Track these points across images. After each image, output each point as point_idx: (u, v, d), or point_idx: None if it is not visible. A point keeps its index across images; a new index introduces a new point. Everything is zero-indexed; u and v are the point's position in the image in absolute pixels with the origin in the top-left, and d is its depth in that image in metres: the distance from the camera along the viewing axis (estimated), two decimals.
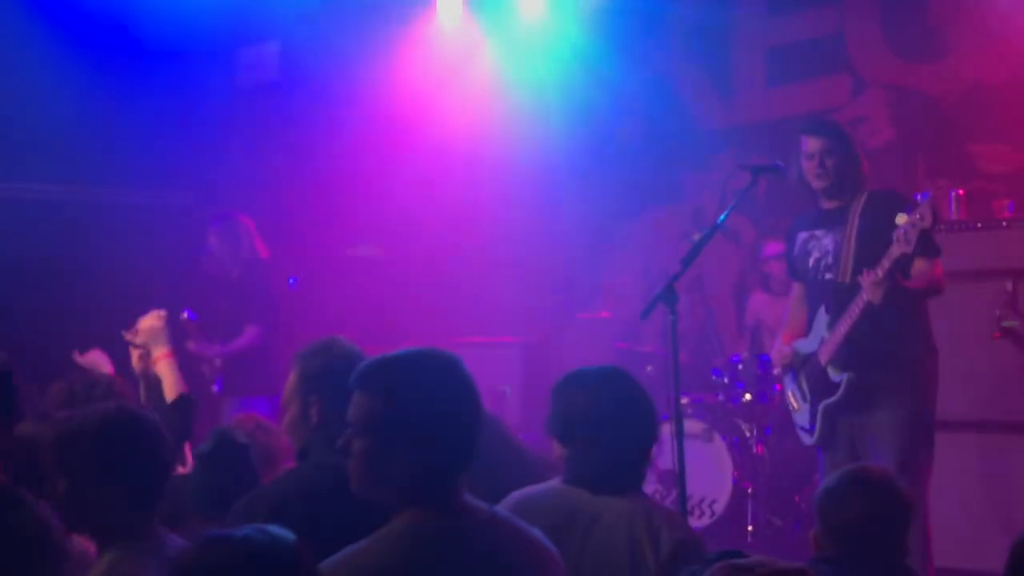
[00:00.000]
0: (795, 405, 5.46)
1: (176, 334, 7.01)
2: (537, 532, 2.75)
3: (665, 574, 3.07)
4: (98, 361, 4.91)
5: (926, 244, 4.93)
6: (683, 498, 4.70)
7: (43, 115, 8.29)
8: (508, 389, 8.51)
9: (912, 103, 8.27)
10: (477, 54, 9.79)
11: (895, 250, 4.81)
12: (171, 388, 4.45)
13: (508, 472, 3.52)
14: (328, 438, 3.22)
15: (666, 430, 4.49)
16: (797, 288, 5.58)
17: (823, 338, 5.20)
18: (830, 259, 5.23)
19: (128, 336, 4.63)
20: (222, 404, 7.37)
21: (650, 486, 3.28)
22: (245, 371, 7.23)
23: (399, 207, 9.58)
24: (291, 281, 8.39)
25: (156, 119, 8.89)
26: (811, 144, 5.22)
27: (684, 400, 6.47)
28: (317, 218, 9.43)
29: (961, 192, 6.72)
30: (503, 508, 3.00)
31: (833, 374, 5.16)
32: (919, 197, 4.85)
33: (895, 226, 4.80)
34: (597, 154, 9.91)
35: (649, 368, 8.21)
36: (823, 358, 5.19)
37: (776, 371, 5.72)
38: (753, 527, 7.41)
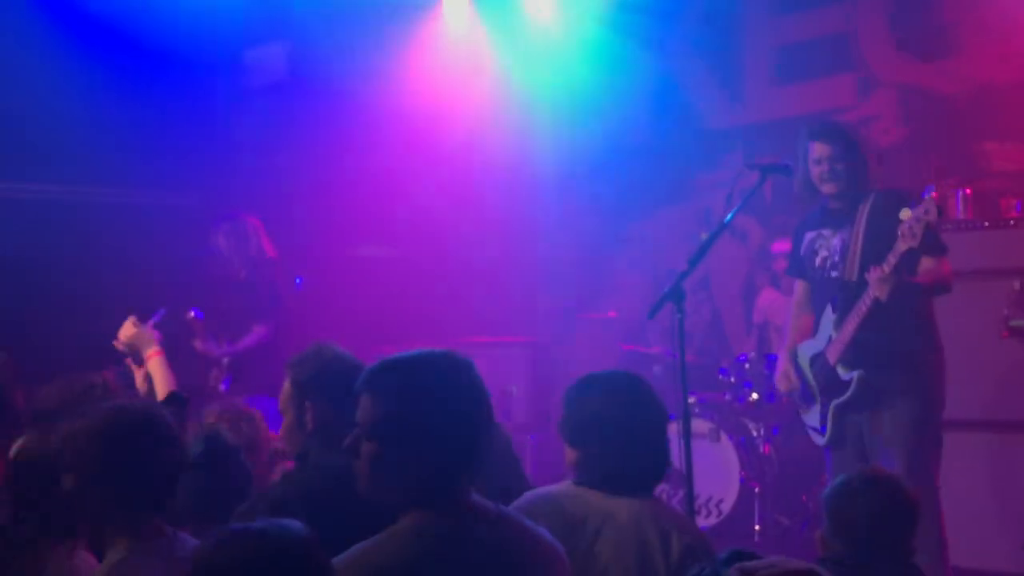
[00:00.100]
0: (804, 407, 5.45)
1: (183, 333, 7.06)
2: (544, 531, 2.76)
3: None
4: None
5: (932, 242, 4.93)
6: (690, 497, 4.70)
7: (49, 116, 8.28)
8: (514, 389, 8.51)
9: (922, 102, 8.25)
10: (484, 55, 9.79)
11: (901, 245, 4.80)
12: (162, 386, 4.48)
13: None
14: (325, 441, 3.25)
15: (673, 429, 4.50)
16: (800, 288, 5.57)
17: (831, 337, 5.19)
18: (837, 258, 5.22)
19: (116, 345, 4.71)
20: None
21: (657, 486, 3.28)
22: (252, 370, 7.23)
23: (405, 207, 9.58)
24: (297, 281, 8.39)
25: (162, 120, 8.89)
26: (820, 150, 5.22)
27: (691, 399, 6.45)
28: (324, 218, 9.42)
29: (968, 191, 6.71)
30: (515, 507, 3.00)
31: (843, 373, 5.15)
32: (925, 195, 4.85)
33: (901, 222, 4.80)
34: (604, 154, 9.89)
35: (656, 368, 8.22)
36: (832, 357, 5.18)
37: (781, 390, 5.68)
38: (760, 526, 7.40)
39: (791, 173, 5.31)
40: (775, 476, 7.57)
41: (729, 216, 5.14)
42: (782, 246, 7.89)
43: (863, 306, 4.99)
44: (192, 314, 7.13)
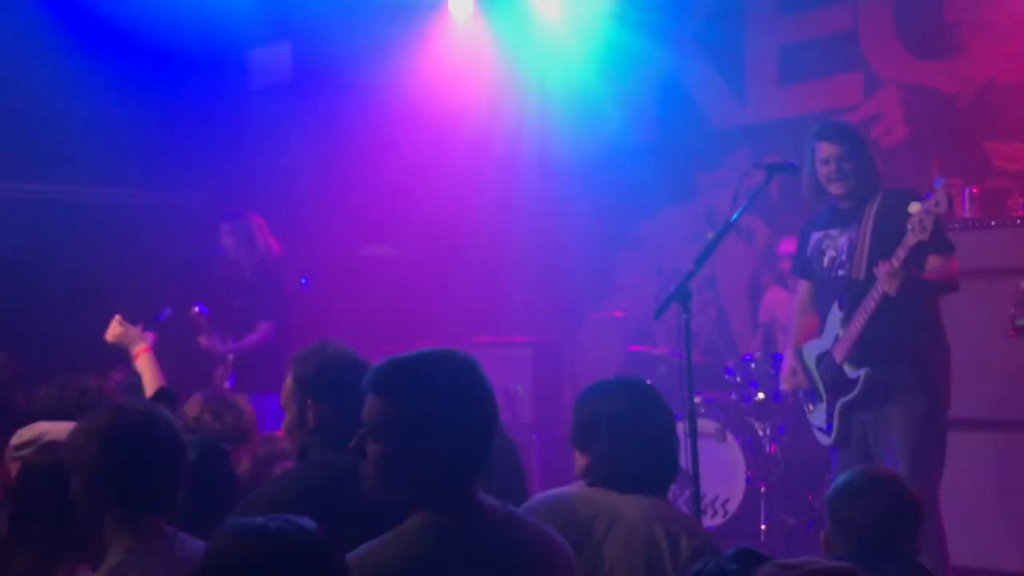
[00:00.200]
0: (810, 407, 5.45)
1: (188, 330, 7.07)
2: (552, 531, 2.76)
3: None
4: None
5: (940, 240, 4.92)
6: (697, 497, 4.69)
7: (53, 116, 8.31)
8: (520, 389, 8.51)
9: (926, 101, 8.25)
10: (489, 54, 9.79)
11: (911, 238, 4.80)
12: (150, 383, 4.50)
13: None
14: (326, 439, 3.25)
15: (679, 429, 4.50)
16: (804, 288, 5.57)
17: (837, 335, 5.18)
18: (844, 257, 5.21)
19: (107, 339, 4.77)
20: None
21: (668, 487, 3.31)
22: (258, 368, 7.24)
23: (410, 207, 9.58)
24: (303, 281, 8.40)
25: (167, 120, 8.91)
26: (826, 150, 5.21)
27: (697, 399, 6.46)
28: (329, 218, 9.43)
29: (975, 190, 6.70)
30: (524, 509, 3.01)
31: (849, 371, 5.14)
32: (938, 185, 4.84)
33: (910, 216, 4.80)
34: (610, 153, 9.90)
35: (661, 368, 8.22)
36: (838, 356, 5.18)
37: (784, 389, 5.67)
38: (766, 526, 7.40)
39: (797, 172, 5.30)
40: (781, 476, 7.57)
41: (735, 216, 5.13)
42: (788, 247, 7.87)
43: (871, 302, 4.98)
44: (196, 309, 7.15)
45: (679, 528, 3.19)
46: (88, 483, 2.94)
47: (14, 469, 3.58)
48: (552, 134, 10.04)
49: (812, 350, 5.40)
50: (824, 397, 5.32)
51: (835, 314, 5.21)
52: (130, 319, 4.97)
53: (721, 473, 7.42)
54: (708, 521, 7.23)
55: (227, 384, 7.40)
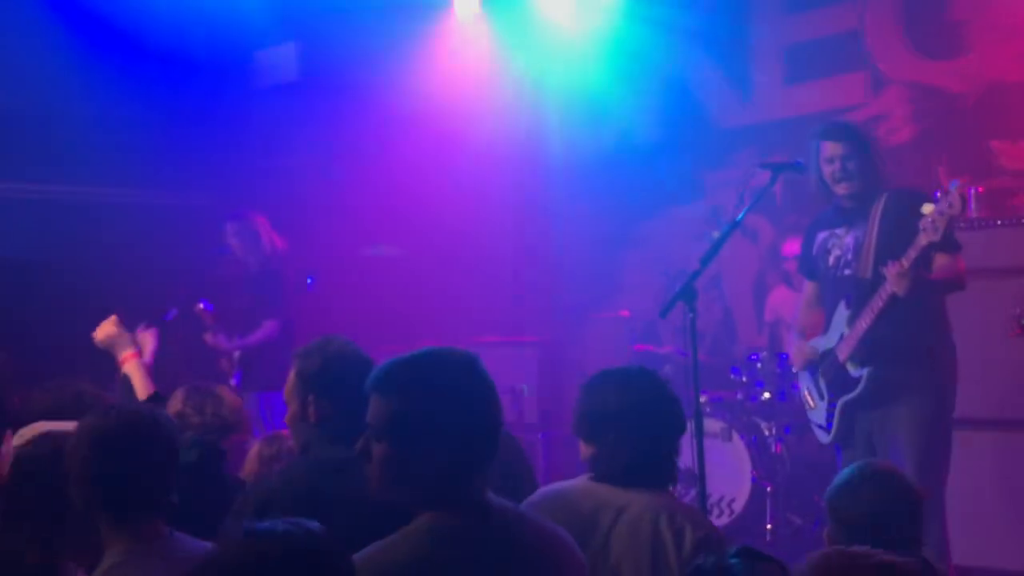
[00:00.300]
0: (811, 403, 5.46)
1: (194, 328, 7.09)
2: (561, 530, 2.76)
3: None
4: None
5: (948, 239, 4.92)
6: (703, 497, 4.70)
7: (59, 116, 8.31)
8: (525, 388, 8.52)
9: (932, 100, 8.24)
10: (496, 55, 9.79)
11: (922, 239, 4.80)
12: (141, 388, 4.49)
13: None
14: (327, 434, 3.26)
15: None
16: (809, 287, 5.57)
17: (843, 334, 5.19)
18: (850, 255, 5.22)
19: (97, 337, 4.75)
20: (241, 398, 7.39)
21: (672, 481, 3.31)
22: (264, 366, 7.26)
23: (416, 207, 9.59)
24: (309, 281, 8.41)
25: (172, 120, 8.92)
26: (830, 149, 5.21)
27: (703, 399, 6.44)
28: (334, 218, 9.44)
29: (981, 189, 6.70)
30: (527, 504, 3.01)
31: (852, 370, 5.15)
32: (938, 194, 4.84)
33: (920, 217, 4.79)
34: (615, 153, 9.90)
35: (667, 368, 8.22)
36: (842, 354, 5.18)
37: (795, 369, 5.70)
38: (772, 526, 7.40)
39: (802, 171, 5.31)
40: (787, 475, 7.57)
41: (741, 215, 5.14)
42: (792, 248, 7.87)
43: (879, 301, 4.98)
44: (201, 305, 7.16)
45: (683, 520, 3.19)
46: (81, 485, 2.95)
47: None
48: (557, 133, 10.04)
49: (816, 346, 5.40)
50: (825, 395, 5.32)
51: (841, 312, 5.21)
52: (135, 319, 4.96)
53: (727, 473, 7.42)
54: (714, 521, 7.20)
55: (233, 381, 7.42)
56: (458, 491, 2.55)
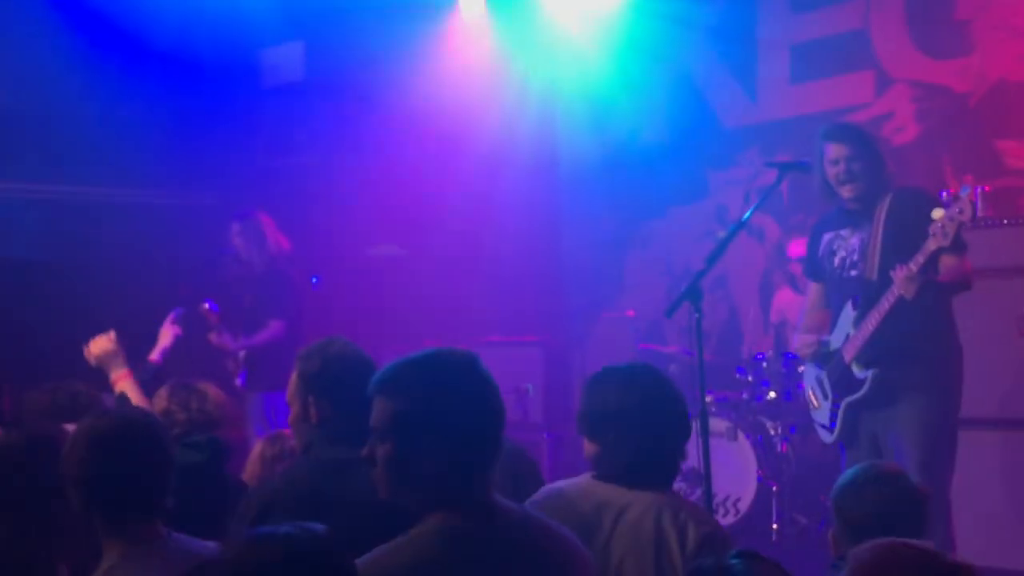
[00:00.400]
0: (815, 403, 5.46)
1: (199, 328, 7.09)
2: (567, 530, 2.76)
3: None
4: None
5: (955, 241, 4.91)
6: (708, 496, 4.69)
7: (66, 117, 8.33)
8: (531, 388, 8.52)
9: (938, 99, 8.23)
10: (501, 55, 9.79)
11: (931, 244, 4.79)
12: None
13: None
14: (328, 435, 3.27)
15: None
16: (814, 290, 5.57)
17: (849, 334, 5.18)
18: (856, 257, 5.21)
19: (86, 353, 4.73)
20: (246, 399, 7.41)
21: (675, 484, 3.30)
22: (268, 366, 7.26)
23: (421, 207, 9.59)
24: (314, 280, 8.41)
25: (180, 120, 8.93)
26: (835, 150, 5.21)
27: (708, 398, 6.45)
28: (339, 218, 9.45)
29: (987, 189, 6.69)
30: (532, 503, 3.01)
31: (858, 371, 5.14)
32: (947, 194, 4.83)
33: (928, 222, 4.79)
34: (620, 152, 9.89)
35: (672, 367, 8.22)
36: (847, 355, 5.18)
37: (803, 357, 5.67)
38: (778, 525, 7.40)
39: (809, 171, 5.30)
40: (792, 475, 7.57)
41: (747, 214, 5.13)
42: (797, 249, 7.87)
43: (886, 304, 4.98)
44: (206, 306, 7.16)
45: (687, 517, 3.18)
46: (78, 488, 2.95)
47: None
48: (563, 133, 10.05)
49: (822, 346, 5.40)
50: (829, 395, 5.32)
51: (847, 313, 5.21)
52: (145, 318, 4.96)
53: (732, 472, 7.42)
54: (720, 520, 7.20)
55: (238, 382, 7.43)
56: (463, 492, 2.55)
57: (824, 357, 5.36)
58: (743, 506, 7.45)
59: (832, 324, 5.34)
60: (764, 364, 7.76)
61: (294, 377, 3.44)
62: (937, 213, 4.77)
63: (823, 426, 5.39)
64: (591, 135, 9.89)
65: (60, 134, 8.30)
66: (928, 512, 3.35)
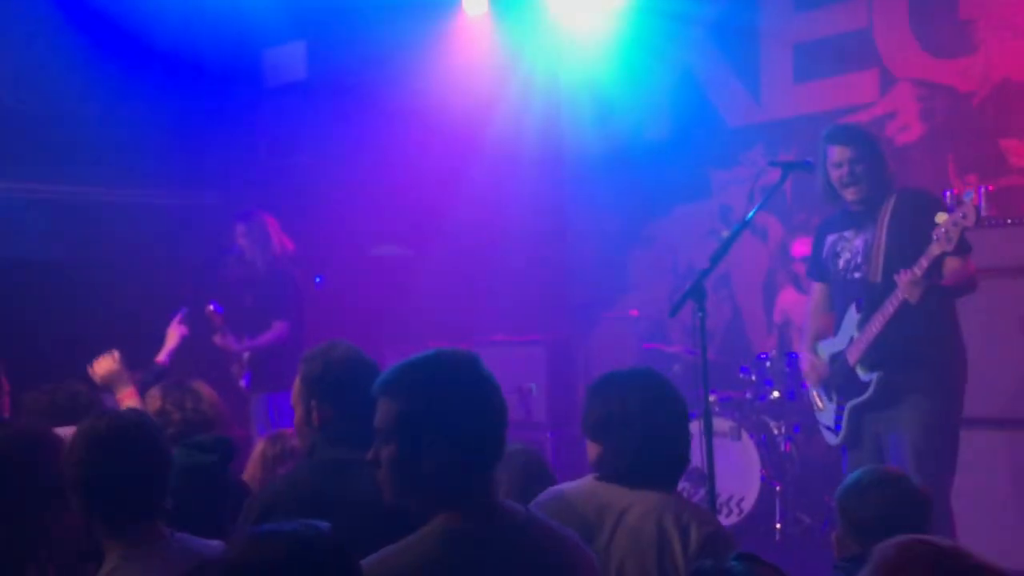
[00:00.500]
0: (820, 405, 5.45)
1: (203, 329, 7.09)
2: (571, 532, 2.76)
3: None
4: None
5: (959, 244, 4.90)
6: (712, 496, 4.69)
7: (69, 117, 8.33)
8: (534, 387, 8.52)
9: (942, 99, 8.22)
10: (503, 53, 9.79)
11: (935, 248, 4.78)
12: None
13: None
14: (331, 438, 3.28)
15: (695, 428, 4.50)
16: (818, 291, 5.55)
17: (853, 337, 5.17)
18: (859, 259, 5.20)
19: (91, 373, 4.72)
20: (250, 400, 7.41)
21: (678, 480, 3.32)
22: (273, 367, 7.26)
23: (424, 206, 9.59)
24: (317, 280, 8.42)
25: (182, 120, 8.93)
26: (838, 153, 5.20)
27: (712, 398, 6.45)
28: (343, 218, 9.44)
29: (991, 188, 6.68)
30: (535, 505, 3.01)
31: (862, 374, 5.14)
32: (950, 194, 4.82)
33: (932, 225, 4.78)
34: (624, 151, 9.89)
35: (675, 367, 8.21)
36: (852, 358, 5.17)
37: (809, 385, 5.66)
38: (781, 525, 7.39)
39: (812, 170, 5.29)
40: (796, 475, 7.56)
41: (751, 214, 5.12)
42: (801, 249, 7.85)
43: (890, 307, 4.97)
44: (211, 307, 7.16)
45: (689, 517, 3.19)
46: (76, 490, 2.96)
47: None
48: (566, 132, 10.04)
49: (825, 349, 5.39)
50: (834, 397, 5.31)
51: (852, 316, 5.20)
52: (149, 318, 4.96)
53: (736, 472, 7.42)
54: (723, 520, 7.21)
55: (243, 383, 7.42)
56: (466, 492, 2.56)
57: (830, 375, 5.36)
58: (747, 506, 7.45)
59: (836, 326, 5.33)
60: (768, 364, 7.76)
61: (297, 381, 3.44)
62: (941, 217, 4.76)
63: (828, 428, 5.39)
64: (595, 134, 9.88)
65: (62, 134, 8.30)
66: (931, 514, 3.35)
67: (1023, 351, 6.11)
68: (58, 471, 2.98)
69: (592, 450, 3.37)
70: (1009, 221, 6.33)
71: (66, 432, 3.55)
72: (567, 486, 3.35)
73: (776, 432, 7.67)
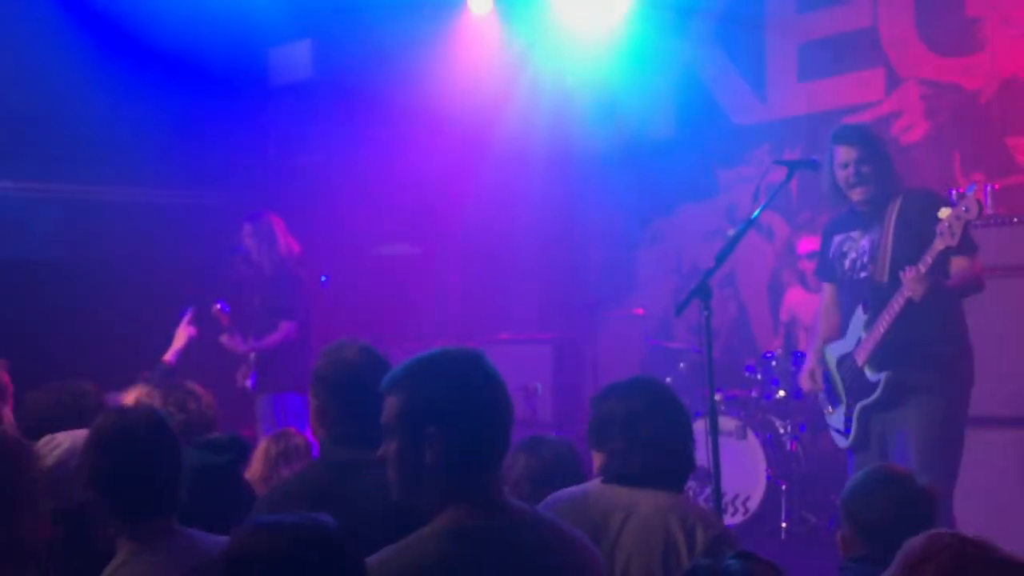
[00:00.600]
0: (829, 409, 5.43)
1: (210, 327, 7.09)
2: (578, 532, 2.76)
3: None
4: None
5: (964, 242, 4.88)
6: (717, 495, 4.68)
7: (75, 116, 8.33)
8: (540, 386, 8.51)
9: (948, 97, 8.21)
10: (509, 51, 9.79)
11: (939, 243, 4.77)
12: None
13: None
14: (336, 438, 3.28)
15: (700, 427, 4.50)
16: (827, 290, 5.54)
17: (860, 338, 5.16)
18: (866, 259, 5.19)
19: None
20: (256, 400, 7.41)
21: (684, 483, 3.34)
22: (279, 367, 7.26)
23: (430, 205, 9.59)
24: (323, 279, 8.41)
25: (188, 119, 8.94)
26: (844, 153, 5.18)
27: (717, 396, 6.44)
28: (349, 216, 9.45)
29: (997, 186, 6.67)
30: (542, 507, 3.01)
31: (870, 374, 5.12)
32: (955, 192, 4.81)
33: (936, 221, 4.76)
34: (629, 150, 9.89)
35: (681, 365, 8.21)
36: (860, 359, 5.15)
37: (804, 388, 5.65)
38: (787, 524, 7.38)
39: (818, 168, 5.28)
40: (802, 474, 7.55)
41: (756, 212, 5.11)
42: (807, 245, 7.84)
43: (895, 306, 4.95)
44: (218, 306, 7.16)
45: (695, 519, 3.20)
46: (87, 489, 2.97)
47: None
48: (572, 131, 10.03)
49: (834, 352, 5.37)
50: (844, 399, 5.29)
51: (859, 317, 5.19)
52: (154, 318, 4.96)
53: (742, 471, 7.41)
54: (729, 519, 7.21)
55: (249, 383, 7.42)
56: (470, 489, 2.56)
57: (833, 369, 5.35)
58: (752, 505, 7.44)
59: (843, 327, 5.32)
60: (774, 362, 7.75)
61: (312, 379, 3.46)
62: (943, 212, 4.75)
63: (838, 431, 5.37)
64: (601, 133, 9.88)
65: (66, 133, 8.30)
66: (937, 513, 3.34)
67: None
68: (29, 482, 2.97)
69: (598, 460, 3.40)
70: (1016, 219, 6.31)
71: (77, 435, 3.56)
72: (573, 489, 3.36)
73: (782, 431, 7.66)
